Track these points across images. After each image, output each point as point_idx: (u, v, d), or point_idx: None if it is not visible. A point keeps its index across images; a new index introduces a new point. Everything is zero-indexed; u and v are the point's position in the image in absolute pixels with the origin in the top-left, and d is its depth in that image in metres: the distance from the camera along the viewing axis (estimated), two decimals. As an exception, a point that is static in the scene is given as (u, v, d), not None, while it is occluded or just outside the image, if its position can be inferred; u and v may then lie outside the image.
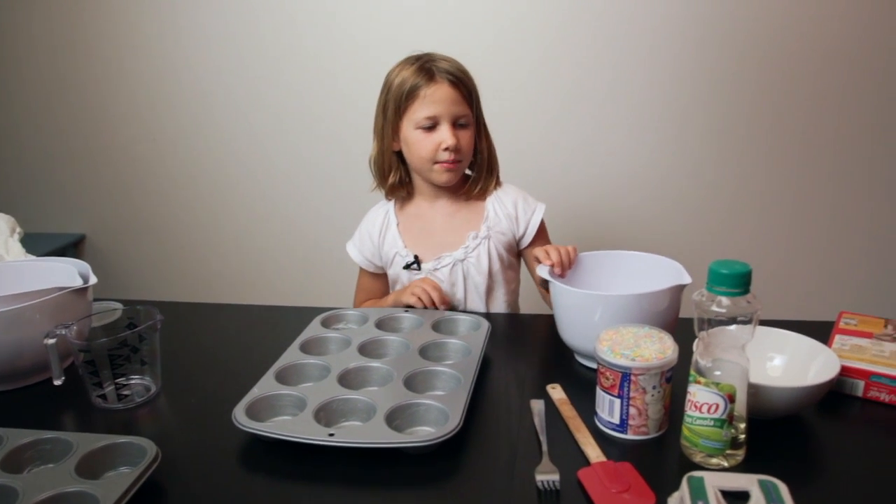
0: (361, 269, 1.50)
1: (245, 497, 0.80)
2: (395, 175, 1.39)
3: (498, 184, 1.44)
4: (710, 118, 2.11)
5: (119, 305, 1.19)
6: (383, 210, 1.45)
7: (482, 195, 1.42)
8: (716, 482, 0.66)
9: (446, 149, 1.29)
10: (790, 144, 2.11)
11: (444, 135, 1.29)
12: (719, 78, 2.07)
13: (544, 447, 0.83)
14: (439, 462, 0.83)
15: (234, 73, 2.26)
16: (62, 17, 2.27)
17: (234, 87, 2.27)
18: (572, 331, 1.08)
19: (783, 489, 0.65)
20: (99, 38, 2.28)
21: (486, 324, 1.15)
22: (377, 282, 1.49)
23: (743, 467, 0.80)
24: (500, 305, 1.42)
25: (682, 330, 0.91)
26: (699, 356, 0.80)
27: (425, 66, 1.29)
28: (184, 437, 0.92)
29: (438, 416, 0.88)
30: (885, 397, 0.93)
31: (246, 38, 2.21)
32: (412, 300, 1.26)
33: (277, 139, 2.31)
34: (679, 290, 1.04)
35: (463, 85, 1.29)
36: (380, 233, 1.43)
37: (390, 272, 1.44)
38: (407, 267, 1.39)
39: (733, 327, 0.77)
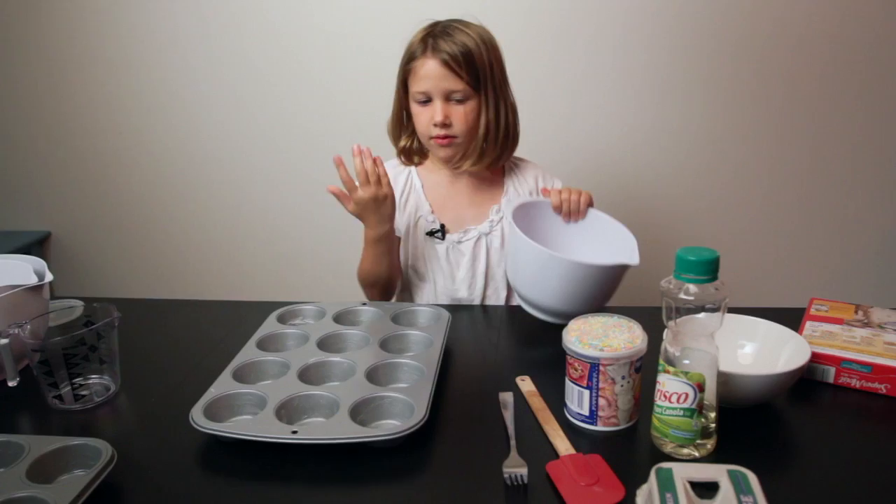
0: None
1: (207, 499, 0.77)
2: (406, 139, 1.39)
3: (513, 159, 1.43)
4: (682, 104, 2.11)
5: (79, 303, 1.15)
6: (404, 171, 1.42)
7: (499, 168, 1.40)
8: (684, 473, 0.65)
9: (436, 124, 1.28)
10: (760, 132, 2.12)
11: (434, 110, 1.28)
12: (695, 64, 2.06)
13: (512, 441, 0.81)
14: (405, 456, 0.81)
15: (201, 63, 2.21)
16: (20, 11, 2.21)
17: (201, 77, 2.22)
18: (518, 276, 1.17)
19: (752, 479, 0.64)
20: (59, 31, 2.22)
21: (446, 314, 1.13)
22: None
23: (714, 457, 0.79)
24: None
25: (652, 319, 0.90)
26: (668, 345, 0.79)
27: (428, 38, 1.26)
28: (142, 438, 0.88)
29: (403, 408, 0.86)
30: (855, 383, 0.92)
31: (211, 27, 2.16)
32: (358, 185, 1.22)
33: (245, 132, 2.26)
34: (623, 269, 1.12)
35: (456, 62, 1.24)
36: (402, 193, 1.39)
37: (409, 236, 1.39)
38: (430, 234, 1.36)
39: (702, 315, 0.75)
